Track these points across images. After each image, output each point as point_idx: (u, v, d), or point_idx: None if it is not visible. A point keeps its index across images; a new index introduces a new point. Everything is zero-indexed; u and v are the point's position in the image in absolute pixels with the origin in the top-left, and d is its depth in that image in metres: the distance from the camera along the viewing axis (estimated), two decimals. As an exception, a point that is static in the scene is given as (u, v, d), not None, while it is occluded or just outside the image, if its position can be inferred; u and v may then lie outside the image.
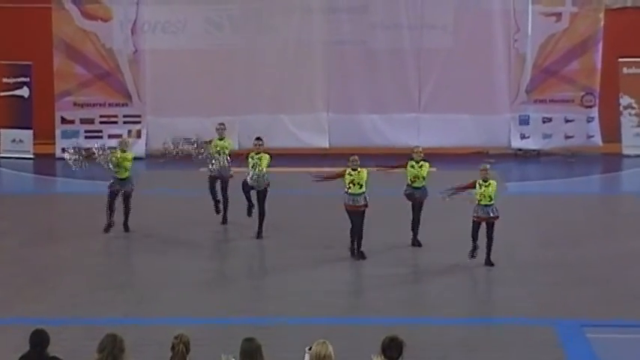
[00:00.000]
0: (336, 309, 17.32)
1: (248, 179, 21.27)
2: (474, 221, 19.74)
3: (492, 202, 19.67)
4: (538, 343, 15.57)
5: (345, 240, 20.97)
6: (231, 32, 30.81)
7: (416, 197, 20.95)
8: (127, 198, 21.71)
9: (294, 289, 18.42)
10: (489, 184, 19.74)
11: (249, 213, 21.81)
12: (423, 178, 20.91)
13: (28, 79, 31.04)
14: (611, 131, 31.10)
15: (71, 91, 30.79)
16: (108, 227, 21.65)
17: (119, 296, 18.05)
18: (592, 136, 31.07)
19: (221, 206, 22.47)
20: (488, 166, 20.39)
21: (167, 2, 30.65)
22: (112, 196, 21.59)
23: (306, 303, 17.64)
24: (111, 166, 21.33)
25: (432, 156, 29.56)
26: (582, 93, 31.01)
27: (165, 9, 30.70)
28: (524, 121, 31.21)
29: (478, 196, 19.66)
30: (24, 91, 31.10)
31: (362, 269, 19.62)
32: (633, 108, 31.37)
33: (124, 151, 21.70)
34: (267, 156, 21.58)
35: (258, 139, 21.93)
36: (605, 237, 22.29)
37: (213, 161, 21.96)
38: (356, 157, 20.19)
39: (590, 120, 31.02)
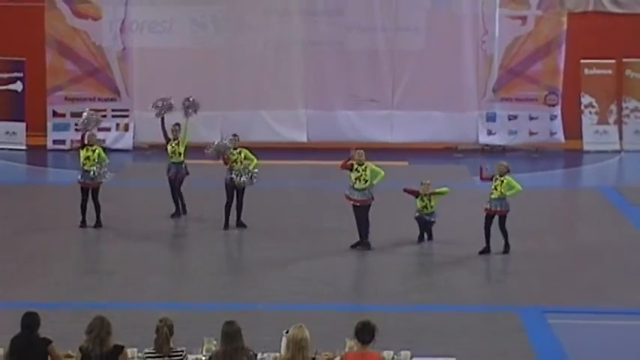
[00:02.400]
0: (312, 296, 17.34)
1: (235, 178, 21.15)
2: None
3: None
4: (503, 328, 15.64)
5: (323, 231, 21.09)
6: (214, 32, 30.75)
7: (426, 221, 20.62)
8: (95, 192, 21.44)
9: (273, 276, 18.44)
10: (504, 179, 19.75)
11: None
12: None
13: (21, 75, 30.93)
14: (573, 128, 31.19)
15: (62, 86, 30.71)
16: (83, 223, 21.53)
17: (106, 282, 18.04)
18: (555, 133, 31.15)
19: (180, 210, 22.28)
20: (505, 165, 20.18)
21: (154, 3, 30.59)
22: (83, 193, 21.42)
23: (284, 289, 17.66)
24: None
25: (405, 151, 29.85)
26: (546, 92, 31.08)
27: (152, 9, 30.64)
28: (491, 118, 31.25)
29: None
30: (17, 86, 30.99)
31: (337, 259, 19.60)
32: (593, 107, 31.46)
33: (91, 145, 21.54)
34: (250, 154, 21.45)
35: (234, 135, 21.81)
36: (566, 229, 22.40)
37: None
38: (362, 151, 19.97)
39: (553, 118, 31.09)
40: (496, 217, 19.78)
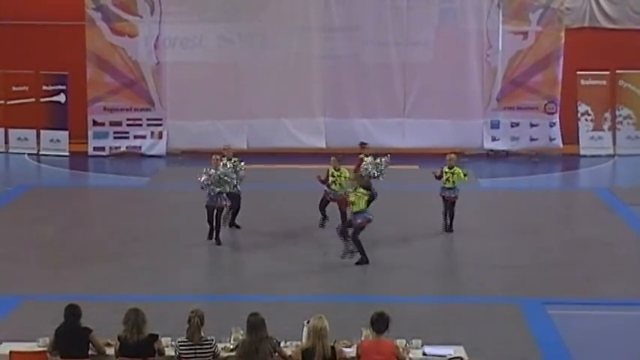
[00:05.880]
0: (331, 289, 17.35)
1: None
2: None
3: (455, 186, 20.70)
4: (505, 319, 15.61)
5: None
6: (240, 47, 30.78)
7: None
8: (219, 211, 20.02)
9: (295, 271, 18.43)
10: (454, 171, 20.65)
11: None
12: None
13: (64, 87, 31.05)
14: (570, 134, 31.15)
15: (102, 97, 30.79)
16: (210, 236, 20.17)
17: (142, 276, 18.06)
18: (554, 139, 31.08)
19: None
20: (454, 155, 21.26)
21: (185, 21, 30.64)
22: (210, 211, 19.94)
23: (305, 283, 17.67)
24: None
25: (416, 155, 29.83)
26: (545, 101, 31.01)
27: (183, 27, 30.69)
28: (495, 125, 31.20)
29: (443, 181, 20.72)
30: (61, 98, 31.11)
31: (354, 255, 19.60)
32: (589, 115, 31.40)
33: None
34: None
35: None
36: (564, 226, 22.32)
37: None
38: (334, 158, 20.60)
39: (552, 125, 31.03)
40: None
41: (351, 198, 18.43)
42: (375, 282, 18.01)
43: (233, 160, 20.71)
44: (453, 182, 20.75)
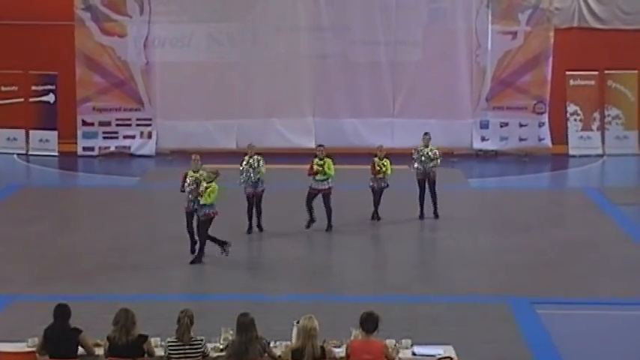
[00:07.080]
0: (320, 288, 17.35)
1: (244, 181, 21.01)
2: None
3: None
4: (494, 318, 15.64)
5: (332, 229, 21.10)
6: (229, 47, 30.80)
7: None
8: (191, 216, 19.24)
9: (284, 271, 18.44)
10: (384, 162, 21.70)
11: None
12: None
13: (53, 87, 31.02)
14: (559, 134, 31.22)
15: (91, 97, 30.76)
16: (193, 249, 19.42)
17: (132, 276, 18.04)
18: (543, 139, 31.15)
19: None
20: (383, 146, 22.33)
21: (175, 21, 30.64)
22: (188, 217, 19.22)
23: (294, 283, 17.67)
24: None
25: (405, 155, 29.80)
26: (534, 101, 31.08)
27: (173, 26, 30.68)
28: (484, 125, 31.25)
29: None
30: (50, 97, 31.07)
31: (343, 254, 19.62)
32: (578, 115, 31.48)
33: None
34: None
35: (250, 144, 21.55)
36: (553, 226, 22.36)
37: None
38: (322, 148, 21.17)
39: (541, 125, 31.09)
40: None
41: (207, 188, 18.52)
42: (365, 281, 18.03)
43: (255, 158, 20.90)
44: (384, 172, 21.59)
